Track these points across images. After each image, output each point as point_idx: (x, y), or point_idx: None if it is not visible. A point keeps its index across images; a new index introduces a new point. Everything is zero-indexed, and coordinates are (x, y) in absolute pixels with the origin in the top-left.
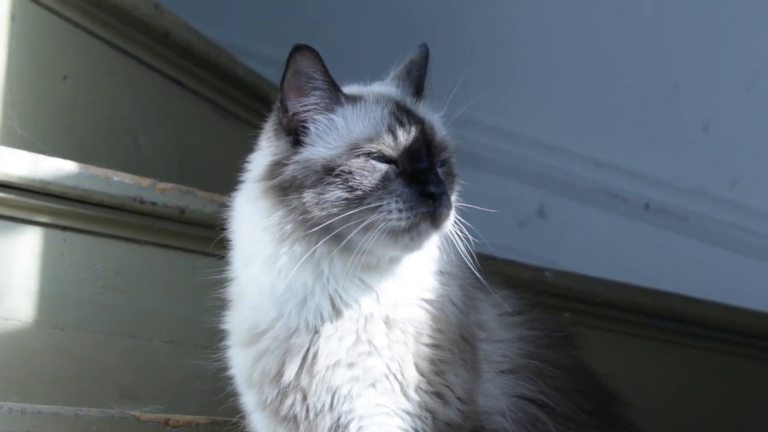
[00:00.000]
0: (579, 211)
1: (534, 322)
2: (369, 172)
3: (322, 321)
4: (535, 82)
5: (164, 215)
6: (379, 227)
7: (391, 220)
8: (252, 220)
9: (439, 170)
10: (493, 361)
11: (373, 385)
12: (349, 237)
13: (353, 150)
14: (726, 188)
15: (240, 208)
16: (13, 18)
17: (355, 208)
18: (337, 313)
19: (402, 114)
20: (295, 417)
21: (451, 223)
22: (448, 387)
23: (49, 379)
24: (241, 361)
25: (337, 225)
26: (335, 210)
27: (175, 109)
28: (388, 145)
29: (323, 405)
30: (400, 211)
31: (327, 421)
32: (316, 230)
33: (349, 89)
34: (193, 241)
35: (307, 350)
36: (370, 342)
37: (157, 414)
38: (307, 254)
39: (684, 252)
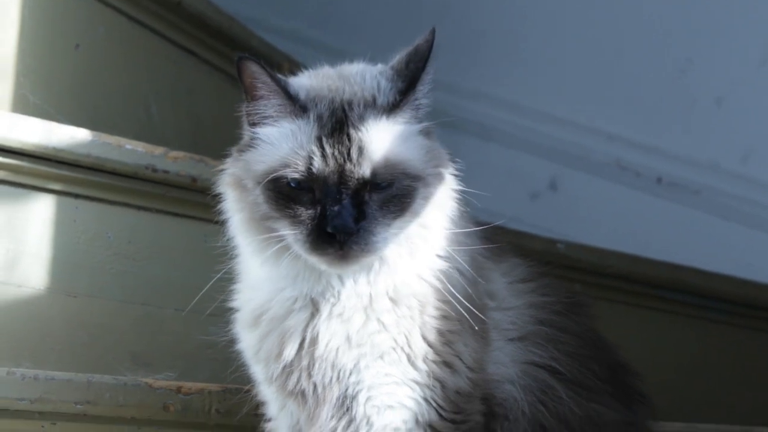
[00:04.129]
0: (591, 185)
1: (545, 289)
2: (283, 198)
3: (320, 300)
4: (548, 56)
5: (176, 184)
6: (296, 248)
7: (302, 248)
8: (227, 202)
9: (376, 196)
10: (502, 329)
11: (381, 357)
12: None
13: (274, 172)
14: (738, 162)
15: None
16: None
17: (274, 226)
18: (334, 292)
19: (330, 137)
20: (302, 392)
21: (374, 253)
22: (457, 356)
23: (61, 346)
24: (247, 339)
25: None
26: (262, 220)
27: (187, 79)
28: (301, 173)
29: (330, 379)
30: (304, 243)
31: (335, 392)
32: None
33: (342, 69)
34: (205, 209)
35: (305, 330)
36: (379, 320)
37: (169, 381)
38: (263, 244)
39: (696, 225)
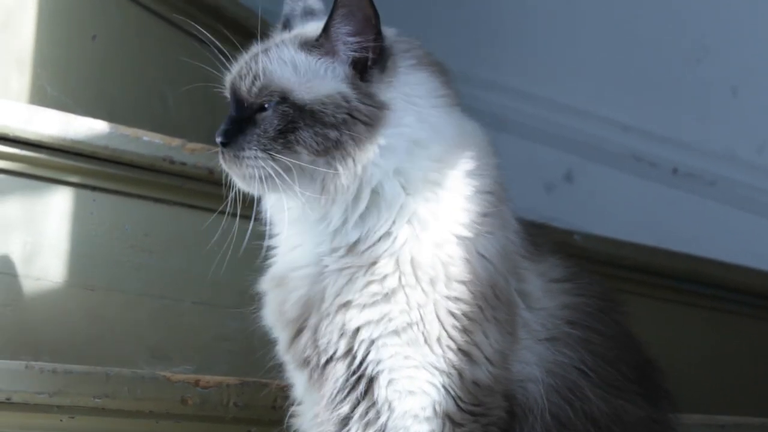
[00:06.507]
0: (606, 175)
1: (580, 289)
2: None
3: (325, 259)
4: (563, 45)
5: (193, 175)
6: None
7: None
8: None
9: (262, 115)
10: (532, 329)
11: (397, 333)
12: None
13: None
14: (754, 153)
15: None
16: None
17: None
18: (338, 249)
19: (244, 62)
20: (308, 360)
21: (243, 167)
22: (475, 346)
23: (79, 340)
24: (269, 302)
25: None
26: None
27: (204, 70)
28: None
29: (336, 351)
30: None
31: (339, 369)
32: None
33: None
34: (222, 201)
35: (310, 289)
36: (381, 283)
37: (187, 374)
38: None
39: (712, 216)
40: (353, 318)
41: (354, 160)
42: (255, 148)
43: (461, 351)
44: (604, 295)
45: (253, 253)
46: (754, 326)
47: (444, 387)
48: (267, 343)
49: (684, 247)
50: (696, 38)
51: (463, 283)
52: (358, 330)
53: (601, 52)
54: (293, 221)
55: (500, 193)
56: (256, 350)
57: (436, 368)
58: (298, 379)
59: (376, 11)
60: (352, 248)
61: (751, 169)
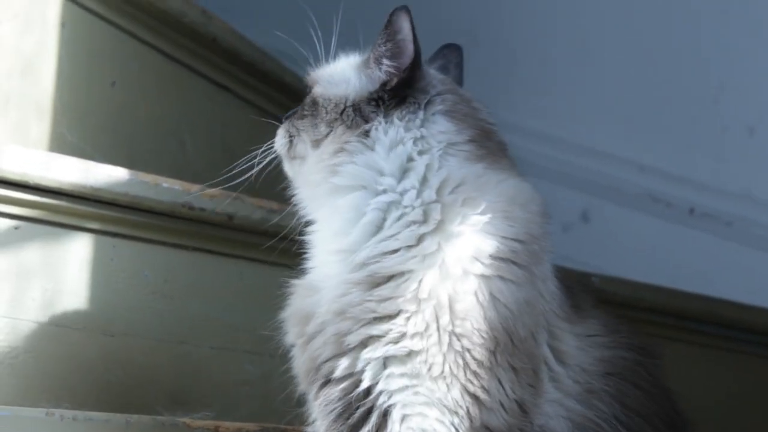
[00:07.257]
0: (623, 216)
1: (616, 343)
2: None
3: (326, 264)
4: (578, 86)
5: (213, 221)
6: None
7: None
8: None
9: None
10: (564, 383)
11: (402, 362)
12: None
13: None
14: None
15: None
16: (63, 25)
17: None
18: (333, 256)
19: None
20: (308, 373)
21: (277, 141)
22: (483, 390)
23: (99, 386)
24: (288, 316)
25: None
26: None
27: (221, 114)
28: None
29: (333, 370)
30: None
31: (334, 392)
32: None
33: None
34: (242, 247)
35: (310, 297)
36: (380, 304)
37: (207, 421)
38: None
39: (729, 257)
40: (351, 331)
41: (326, 157)
42: (284, 126)
43: (468, 393)
44: (640, 348)
45: (271, 297)
46: None
47: (455, 427)
48: (287, 386)
49: (701, 287)
50: (713, 78)
51: (469, 320)
52: (360, 349)
53: (618, 93)
54: (311, 224)
55: (534, 250)
56: (276, 395)
57: (445, 406)
58: (310, 402)
59: (416, 41)
60: (347, 258)
61: (767, 209)
